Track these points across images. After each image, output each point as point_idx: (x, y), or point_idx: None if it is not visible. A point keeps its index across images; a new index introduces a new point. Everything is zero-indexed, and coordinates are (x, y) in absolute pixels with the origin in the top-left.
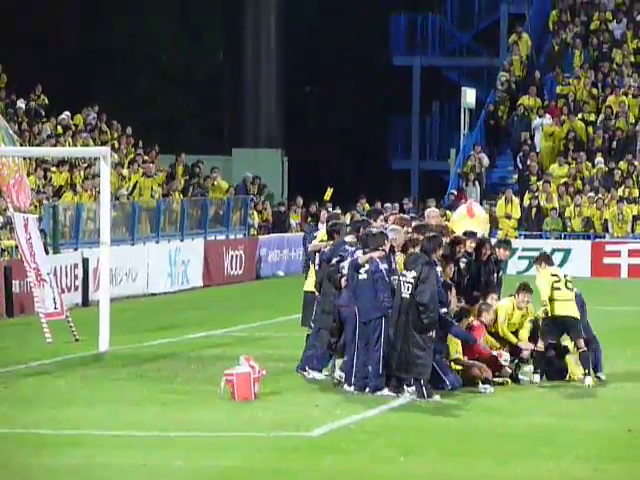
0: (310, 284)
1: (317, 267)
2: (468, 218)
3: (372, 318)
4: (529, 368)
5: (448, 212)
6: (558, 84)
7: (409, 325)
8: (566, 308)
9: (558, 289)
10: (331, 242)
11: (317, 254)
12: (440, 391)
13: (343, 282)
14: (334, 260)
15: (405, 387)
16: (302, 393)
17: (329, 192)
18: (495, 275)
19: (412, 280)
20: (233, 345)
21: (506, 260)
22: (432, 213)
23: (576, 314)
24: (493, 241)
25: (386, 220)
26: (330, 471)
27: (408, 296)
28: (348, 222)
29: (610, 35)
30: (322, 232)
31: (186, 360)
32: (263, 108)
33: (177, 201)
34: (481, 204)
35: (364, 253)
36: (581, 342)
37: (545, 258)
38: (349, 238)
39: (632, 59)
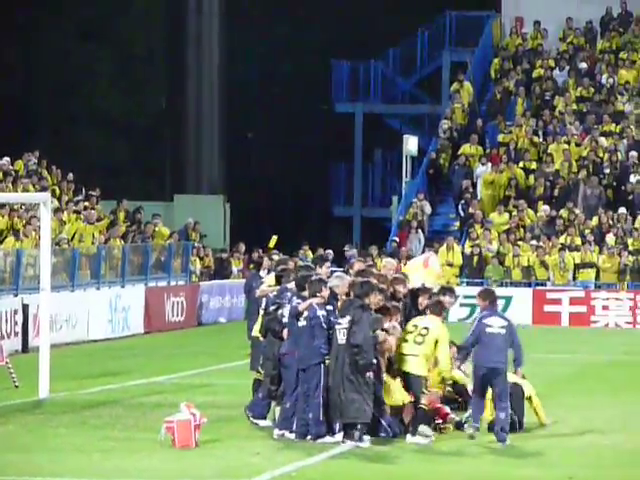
0: (257, 329)
1: (262, 311)
2: (422, 269)
3: (310, 365)
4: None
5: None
6: (500, 132)
7: (344, 369)
8: (408, 364)
9: (406, 341)
10: (277, 287)
11: (264, 299)
12: (379, 437)
13: (285, 333)
14: (271, 308)
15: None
16: (243, 440)
17: (274, 240)
18: None
19: (347, 325)
20: (174, 392)
21: (450, 308)
22: (388, 265)
23: (417, 371)
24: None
25: (351, 268)
26: None
27: (344, 342)
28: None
29: (553, 83)
30: (271, 277)
31: (127, 407)
32: (205, 154)
33: (118, 247)
34: (423, 251)
35: (300, 298)
36: (421, 399)
37: (434, 305)
38: (291, 285)
39: (574, 107)
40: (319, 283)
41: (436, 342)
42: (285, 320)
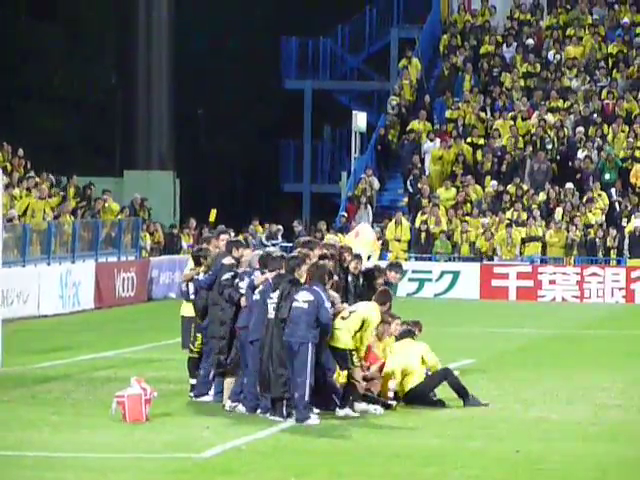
0: (186, 309)
1: (194, 296)
2: (354, 240)
3: (258, 337)
4: None
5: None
6: (448, 108)
7: (273, 344)
8: (332, 339)
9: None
10: (201, 268)
11: (190, 283)
12: (332, 412)
13: (243, 301)
14: (228, 275)
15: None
16: (194, 415)
17: (213, 213)
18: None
19: (277, 300)
20: (124, 367)
21: (397, 283)
22: (330, 241)
23: (341, 344)
24: (384, 263)
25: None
26: None
27: (273, 317)
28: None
29: (500, 59)
30: (189, 260)
31: (77, 382)
32: (155, 130)
33: (68, 223)
34: (372, 227)
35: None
36: (354, 373)
37: (379, 294)
38: (227, 260)
39: (522, 83)
40: (280, 260)
41: (363, 322)
42: (242, 291)
